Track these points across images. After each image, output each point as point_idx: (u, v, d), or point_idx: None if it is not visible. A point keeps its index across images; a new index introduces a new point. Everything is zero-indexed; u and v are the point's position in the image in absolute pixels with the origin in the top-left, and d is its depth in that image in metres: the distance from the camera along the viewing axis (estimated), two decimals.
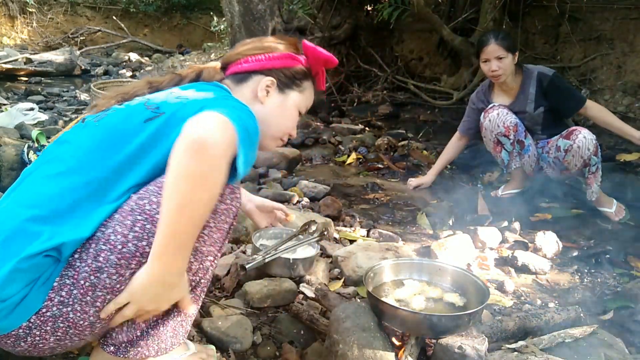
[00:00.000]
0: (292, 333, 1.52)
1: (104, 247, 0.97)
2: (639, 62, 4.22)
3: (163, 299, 1.01)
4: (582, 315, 1.52)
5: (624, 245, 2.25)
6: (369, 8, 6.38)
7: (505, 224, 2.44)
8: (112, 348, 1.08)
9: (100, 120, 1.12)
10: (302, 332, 1.53)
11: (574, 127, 2.57)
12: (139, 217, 0.97)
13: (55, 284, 0.97)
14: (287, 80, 1.33)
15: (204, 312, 1.59)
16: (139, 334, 1.08)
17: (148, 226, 0.97)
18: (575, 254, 2.21)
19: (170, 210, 0.90)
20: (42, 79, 7.65)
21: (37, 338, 0.98)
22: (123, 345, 1.08)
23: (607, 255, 2.17)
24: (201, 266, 1.06)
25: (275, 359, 1.44)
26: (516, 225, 2.41)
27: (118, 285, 0.98)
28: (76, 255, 0.98)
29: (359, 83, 6.33)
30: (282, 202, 2.64)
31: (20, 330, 0.97)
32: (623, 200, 2.67)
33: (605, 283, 1.96)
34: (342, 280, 1.84)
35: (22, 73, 7.65)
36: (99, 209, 1.00)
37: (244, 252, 1.96)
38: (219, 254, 1.11)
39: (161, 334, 1.10)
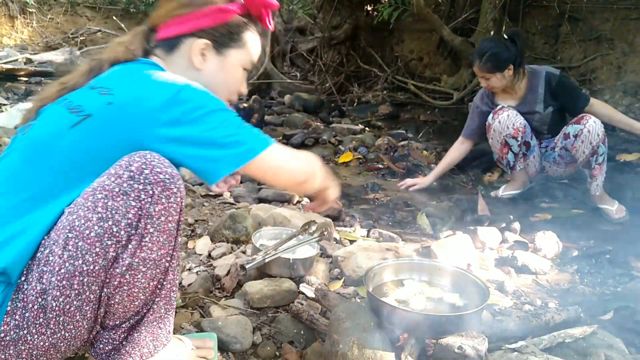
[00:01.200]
0: (292, 333, 1.52)
1: (45, 269, 0.94)
2: (639, 62, 4.21)
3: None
4: (581, 315, 1.52)
5: (624, 245, 2.25)
6: (369, 8, 6.38)
7: (505, 224, 2.44)
8: (101, 357, 1.09)
9: (27, 132, 1.05)
10: (302, 332, 1.53)
11: (583, 114, 2.57)
12: (70, 235, 0.93)
13: (8, 307, 0.95)
14: (222, 38, 1.17)
15: (204, 312, 1.59)
16: (119, 343, 1.07)
17: (80, 243, 0.93)
18: (575, 254, 2.20)
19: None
20: (42, 79, 7.65)
21: None
22: (108, 353, 1.08)
23: (607, 255, 2.16)
24: (156, 270, 1.01)
25: (275, 359, 1.44)
26: (516, 225, 2.41)
27: (67, 306, 0.95)
28: (23, 278, 0.96)
29: (359, 83, 6.33)
30: (282, 202, 2.65)
31: None
32: (623, 200, 2.67)
33: (605, 283, 1.96)
34: (342, 280, 1.84)
35: (22, 73, 7.65)
36: (35, 226, 0.97)
37: (244, 252, 1.96)
38: (175, 253, 1.05)
39: (139, 341, 1.08)
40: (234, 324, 1.46)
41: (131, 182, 0.93)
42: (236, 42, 1.19)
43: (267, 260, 1.68)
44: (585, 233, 2.44)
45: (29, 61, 8.00)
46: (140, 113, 0.98)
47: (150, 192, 0.94)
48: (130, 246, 0.96)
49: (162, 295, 1.07)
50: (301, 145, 3.98)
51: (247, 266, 1.63)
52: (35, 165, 1.00)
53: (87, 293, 0.96)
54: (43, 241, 0.97)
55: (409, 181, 3.12)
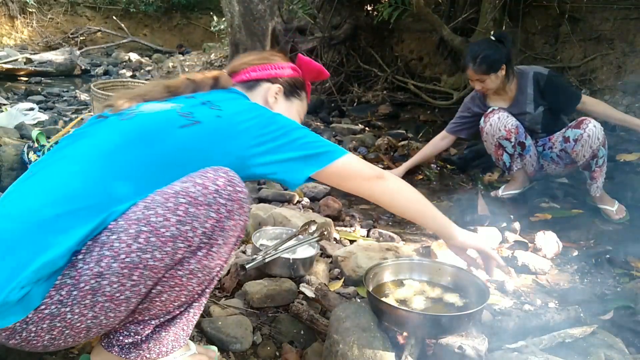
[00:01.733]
0: (292, 333, 1.52)
1: (107, 253, 0.96)
2: (639, 62, 4.21)
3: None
4: (581, 315, 1.52)
5: (624, 245, 2.25)
6: (369, 8, 6.38)
7: (505, 224, 2.44)
8: (115, 348, 1.09)
9: (130, 118, 1.14)
10: (302, 332, 1.53)
11: (583, 117, 2.57)
12: (144, 228, 0.97)
13: (56, 281, 0.96)
14: (290, 88, 1.44)
15: (204, 312, 1.59)
16: (143, 337, 1.09)
17: (152, 239, 0.97)
18: (575, 254, 2.21)
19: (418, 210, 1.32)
20: (42, 79, 7.66)
21: (32, 334, 0.97)
22: (126, 346, 1.09)
23: (607, 255, 2.16)
24: (207, 277, 1.08)
25: (275, 359, 1.44)
26: (516, 225, 2.41)
27: (118, 294, 0.97)
28: (80, 256, 0.97)
29: (359, 83, 6.33)
30: (282, 202, 2.65)
31: (17, 325, 0.95)
32: (623, 200, 2.67)
33: (605, 283, 1.96)
34: (342, 280, 1.84)
35: (22, 73, 7.65)
36: (115, 209, 1.00)
37: (244, 252, 1.96)
38: (225, 264, 1.12)
39: (163, 339, 1.12)
40: (234, 324, 1.46)
41: (216, 196, 1.02)
42: (299, 95, 1.47)
43: (267, 260, 1.68)
44: (585, 233, 2.44)
45: (29, 61, 8.00)
46: (243, 127, 1.15)
47: (230, 208, 1.04)
48: (199, 253, 1.03)
49: (200, 302, 1.14)
50: None
51: (247, 266, 1.63)
52: (136, 149, 1.08)
53: (141, 286, 0.99)
54: (111, 226, 0.99)
55: None
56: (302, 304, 1.58)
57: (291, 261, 1.72)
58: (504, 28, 4.86)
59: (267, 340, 1.50)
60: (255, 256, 1.68)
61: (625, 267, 2.08)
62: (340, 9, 6.40)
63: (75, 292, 0.96)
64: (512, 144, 2.69)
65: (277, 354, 1.45)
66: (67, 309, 0.97)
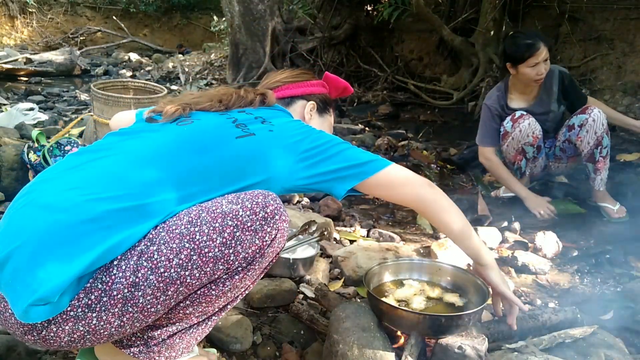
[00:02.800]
0: (292, 333, 1.52)
1: (145, 264, 0.94)
2: (639, 62, 4.22)
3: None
4: (579, 316, 1.52)
5: (624, 245, 2.25)
6: (369, 8, 6.38)
7: (505, 224, 2.44)
8: (123, 343, 1.08)
9: (188, 125, 1.17)
10: (302, 332, 1.53)
11: (587, 105, 2.58)
12: (187, 245, 0.96)
13: (87, 284, 0.93)
14: (323, 104, 1.52)
15: None
16: (156, 342, 1.09)
17: (194, 257, 0.96)
18: (575, 254, 2.20)
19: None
20: (42, 79, 7.66)
21: (52, 334, 0.94)
22: (136, 344, 1.08)
23: (607, 255, 2.16)
24: (234, 295, 1.09)
25: (275, 359, 1.44)
26: (516, 225, 2.41)
27: (149, 307, 0.96)
28: (115, 262, 0.95)
29: (359, 83, 6.33)
30: (282, 202, 2.65)
31: (39, 323, 0.93)
32: (623, 200, 2.67)
33: (605, 283, 1.96)
34: (342, 280, 1.84)
35: (22, 73, 7.66)
36: (166, 207, 1.01)
37: None
38: (253, 285, 1.13)
39: (176, 345, 1.11)
40: (234, 324, 1.46)
41: (263, 223, 1.02)
42: (329, 111, 1.55)
43: None
44: (585, 233, 2.44)
45: (29, 61, 8.00)
46: (293, 141, 1.20)
47: (273, 236, 1.04)
48: (236, 276, 1.03)
49: (220, 315, 1.14)
50: None
51: None
52: (194, 155, 1.10)
53: (173, 300, 0.99)
54: (151, 236, 0.97)
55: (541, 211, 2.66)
56: (302, 304, 1.58)
57: (291, 261, 1.72)
58: (503, 28, 4.87)
59: (267, 340, 1.50)
60: None
61: (625, 267, 2.08)
62: (340, 9, 6.41)
63: (105, 299, 0.94)
64: (534, 149, 2.67)
65: (277, 354, 1.45)
66: (94, 314, 0.94)
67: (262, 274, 1.11)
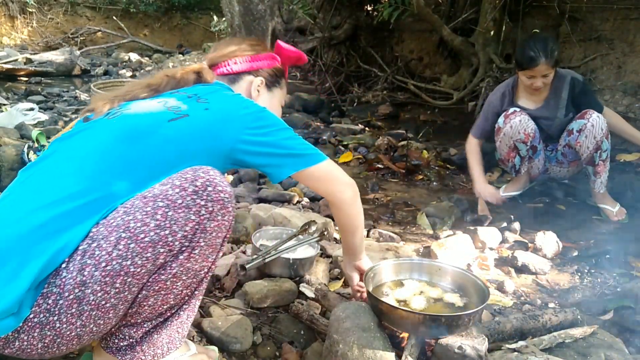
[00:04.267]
0: (292, 333, 1.52)
1: (89, 262, 0.95)
2: (639, 62, 4.21)
3: None
4: (579, 317, 1.52)
5: (624, 245, 2.25)
6: (369, 8, 6.38)
7: (505, 224, 2.44)
8: (113, 350, 1.10)
9: (117, 117, 1.14)
10: (302, 332, 1.53)
11: (586, 110, 2.56)
12: (123, 235, 0.96)
13: (44, 289, 0.95)
14: (272, 79, 1.45)
15: (204, 312, 1.59)
16: (137, 340, 1.09)
17: (132, 245, 0.95)
18: (575, 254, 2.21)
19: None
20: (42, 79, 7.65)
21: (25, 343, 0.97)
22: (122, 348, 1.10)
23: (607, 255, 2.16)
24: (194, 279, 1.07)
25: (275, 359, 1.44)
26: (516, 225, 2.41)
27: (103, 302, 0.97)
28: (63, 265, 0.96)
29: (359, 83, 6.33)
30: (282, 202, 2.65)
31: (10, 334, 0.95)
32: (623, 200, 2.67)
33: (605, 283, 1.96)
34: (342, 280, 1.84)
35: (22, 73, 7.65)
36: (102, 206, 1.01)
37: (244, 252, 1.96)
38: (214, 265, 1.11)
39: (157, 341, 1.11)
40: (234, 324, 1.46)
41: (194, 197, 0.99)
42: (279, 84, 1.48)
43: (267, 260, 1.68)
44: (585, 233, 2.44)
45: (29, 61, 8.00)
46: (231, 119, 1.17)
47: (210, 209, 1.01)
48: (180, 257, 1.01)
49: (191, 302, 1.12)
50: None
51: (247, 266, 1.63)
52: (127, 146, 1.08)
53: (126, 293, 0.98)
54: (92, 234, 0.98)
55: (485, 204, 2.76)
56: (302, 304, 1.58)
57: (291, 261, 1.72)
58: (503, 28, 4.86)
59: (267, 340, 1.50)
60: (255, 256, 1.68)
61: (625, 267, 2.08)
62: (340, 9, 6.40)
63: (61, 302, 0.95)
64: (527, 147, 2.66)
65: (277, 354, 1.45)
66: (55, 318, 0.96)
67: (218, 251, 1.09)
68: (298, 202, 2.71)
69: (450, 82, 5.52)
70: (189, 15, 13.95)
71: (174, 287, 1.04)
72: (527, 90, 2.68)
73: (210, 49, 1.55)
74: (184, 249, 1.00)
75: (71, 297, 0.95)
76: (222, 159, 1.16)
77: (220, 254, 1.11)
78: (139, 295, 1.02)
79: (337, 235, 2.26)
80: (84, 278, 0.95)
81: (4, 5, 11.81)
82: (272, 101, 1.45)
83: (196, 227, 1.00)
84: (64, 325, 0.97)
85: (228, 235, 1.10)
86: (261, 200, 2.68)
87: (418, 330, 1.26)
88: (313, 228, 1.87)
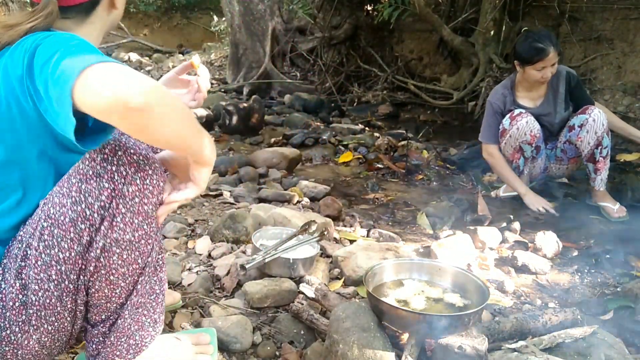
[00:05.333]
0: (292, 333, 1.52)
1: (22, 264, 0.94)
2: (639, 62, 4.21)
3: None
4: (579, 317, 1.52)
5: (624, 245, 2.25)
6: (369, 8, 6.38)
7: (505, 224, 2.44)
8: (94, 355, 1.08)
9: None
10: (302, 332, 1.53)
11: (586, 105, 2.58)
12: (45, 224, 0.93)
13: None
14: None
15: (204, 312, 1.59)
16: (106, 335, 1.06)
17: (55, 231, 0.92)
18: (575, 254, 2.21)
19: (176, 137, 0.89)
20: None
21: None
22: (101, 352, 1.07)
23: (607, 255, 2.16)
24: (133, 253, 0.99)
25: (275, 359, 1.44)
26: (516, 225, 2.41)
27: (47, 300, 0.94)
28: (0, 277, 0.95)
29: (359, 83, 6.33)
30: (282, 202, 2.65)
31: None
32: (623, 200, 2.67)
33: (605, 283, 1.96)
34: (342, 280, 1.84)
35: None
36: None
37: (244, 252, 1.96)
38: (156, 235, 1.03)
39: (125, 329, 1.05)
40: (234, 324, 1.46)
41: (104, 164, 0.93)
42: None
43: (267, 260, 1.68)
44: (585, 233, 2.44)
45: None
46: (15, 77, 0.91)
47: (124, 172, 0.93)
48: (102, 228, 0.94)
49: (144, 282, 1.04)
50: (301, 145, 3.98)
51: (247, 266, 1.63)
52: None
53: (66, 282, 0.95)
54: (19, 236, 0.96)
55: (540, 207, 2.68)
56: (302, 304, 1.58)
57: (291, 261, 1.72)
58: (503, 28, 4.86)
59: (267, 340, 1.50)
60: (255, 256, 1.68)
61: (625, 267, 2.08)
62: (340, 9, 6.41)
63: (7, 314, 0.94)
64: (532, 148, 2.67)
65: (277, 354, 1.45)
66: (8, 332, 0.94)
67: (150, 219, 0.99)
68: (298, 202, 2.71)
69: (450, 82, 5.52)
70: (189, 15, 13.95)
71: (111, 263, 0.97)
72: (525, 88, 2.70)
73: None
74: (104, 219, 0.94)
75: (17, 304, 0.93)
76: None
77: (160, 223, 1.03)
78: (80, 282, 0.97)
79: (337, 235, 2.26)
80: (23, 281, 0.93)
81: (4, 5, 11.81)
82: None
83: (112, 194, 0.93)
84: (19, 335, 0.95)
85: (159, 200, 1.00)
86: (261, 200, 2.68)
87: (418, 330, 1.26)
88: (313, 228, 1.87)
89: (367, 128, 4.79)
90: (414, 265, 1.55)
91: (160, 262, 1.08)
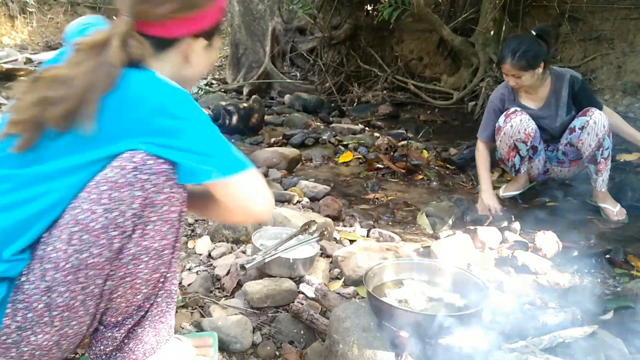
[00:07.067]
0: (292, 333, 1.52)
1: (48, 266, 0.95)
2: (639, 62, 4.22)
3: None
4: (578, 317, 1.52)
5: (624, 245, 2.25)
6: (369, 8, 6.38)
7: (505, 224, 2.44)
8: (102, 358, 1.09)
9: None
10: (302, 332, 1.53)
11: (588, 107, 2.57)
12: (74, 229, 0.94)
13: (7, 310, 0.95)
14: (213, 31, 1.14)
15: (204, 312, 1.59)
16: (121, 342, 1.08)
17: (85, 236, 0.94)
18: (575, 254, 2.20)
19: None
20: None
21: None
22: (112, 354, 1.08)
23: (607, 255, 2.16)
24: (159, 260, 1.03)
25: (275, 359, 1.44)
26: (516, 225, 2.41)
27: (72, 302, 0.96)
28: (23, 278, 0.96)
29: (359, 83, 6.33)
30: (282, 202, 2.65)
31: None
32: (623, 200, 2.67)
33: (605, 283, 1.96)
34: (342, 280, 1.84)
35: (22, 73, 7.64)
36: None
37: (244, 252, 1.96)
38: (177, 245, 1.07)
39: (143, 336, 1.09)
40: (234, 324, 1.46)
41: (135, 173, 0.95)
42: (219, 29, 1.17)
43: (267, 260, 1.68)
44: (585, 233, 2.44)
45: (29, 61, 7.99)
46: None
47: (155, 181, 0.96)
48: (134, 236, 0.97)
49: (165, 289, 1.09)
50: (301, 145, 3.98)
51: (247, 266, 1.63)
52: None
53: (92, 287, 0.97)
54: (45, 239, 0.97)
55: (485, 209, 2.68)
56: (302, 304, 1.58)
57: (291, 261, 1.72)
58: (504, 28, 4.87)
59: (267, 340, 1.50)
60: (255, 256, 1.68)
61: (625, 267, 2.08)
62: (340, 9, 6.41)
63: (30, 315, 0.95)
64: (527, 147, 2.66)
65: (277, 354, 1.45)
66: (29, 332, 0.95)
67: (177, 228, 1.03)
68: (298, 202, 2.71)
69: (450, 82, 5.52)
70: None
71: (138, 271, 1.00)
72: (527, 90, 2.68)
73: None
74: (136, 227, 0.97)
75: (40, 306, 0.94)
76: None
77: (181, 230, 1.06)
78: (106, 287, 0.99)
79: (337, 235, 2.26)
80: (48, 283, 0.94)
81: (4, 5, 11.81)
82: (211, 53, 1.17)
83: (144, 202, 0.96)
84: (39, 337, 0.96)
85: (184, 210, 1.04)
86: None
87: (418, 330, 1.26)
88: (313, 228, 1.87)
89: (367, 128, 4.79)
90: (414, 265, 1.55)
91: (177, 270, 1.13)
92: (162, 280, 1.07)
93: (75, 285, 0.95)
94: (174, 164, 0.99)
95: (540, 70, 2.55)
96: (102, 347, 1.07)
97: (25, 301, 0.95)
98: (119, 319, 1.05)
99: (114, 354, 1.08)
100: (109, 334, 1.06)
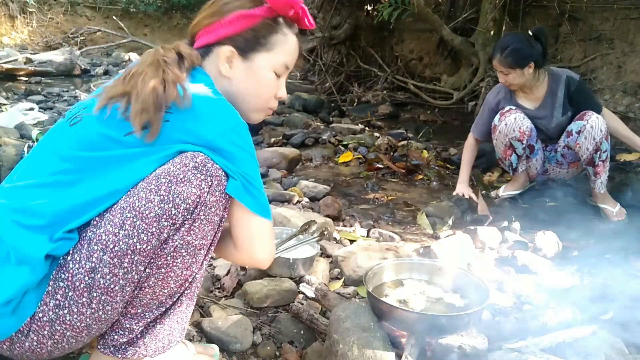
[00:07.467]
0: (292, 333, 1.52)
1: (95, 247, 0.97)
2: (639, 62, 4.21)
3: None
4: (578, 316, 1.52)
5: (624, 245, 2.25)
6: (369, 8, 6.39)
7: (505, 224, 2.44)
8: (111, 349, 1.08)
9: (76, 124, 1.08)
10: (302, 332, 1.53)
11: (585, 111, 2.56)
12: (129, 215, 0.97)
13: (49, 287, 0.97)
14: (247, 43, 1.15)
15: (204, 312, 1.59)
16: (137, 334, 1.08)
17: (138, 222, 0.97)
18: (575, 254, 2.20)
19: None
20: (42, 79, 7.65)
21: (35, 343, 0.98)
22: (122, 345, 1.08)
23: (607, 255, 2.16)
24: (194, 260, 1.06)
25: (275, 359, 1.44)
26: (516, 225, 2.41)
27: (112, 285, 0.98)
28: (68, 257, 0.98)
29: (359, 83, 6.33)
30: (282, 202, 2.65)
31: (15, 336, 0.96)
32: (623, 200, 2.67)
33: (605, 283, 1.96)
34: (342, 280, 1.84)
35: (22, 73, 7.64)
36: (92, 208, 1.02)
37: None
38: (212, 248, 1.10)
39: (158, 333, 1.10)
40: (234, 324, 1.46)
41: (195, 172, 1.00)
42: (263, 45, 1.16)
43: None
44: (585, 233, 2.44)
45: (29, 61, 7.99)
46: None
47: (210, 183, 1.02)
48: (182, 229, 1.01)
49: (191, 289, 1.11)
50: (301, 145, 3.98)
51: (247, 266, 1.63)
52: (84, 154, 1.06)
53: (133, 273, 0.99)
54: (96, 222, 1.00)
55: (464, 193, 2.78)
56: (302, 304, 1.58)
57: (291, 261, 1.72)
58: (504, 28, 4.87)
59: (267, 340, 1.50)
60: None
61: (625, 267, 2.08)
62: (340, 8, 6.41)
63: (70, 293, 0.97)
64: (523, 146, 2.66)
65: (277, 354, 1.45)
66: (66, 311, 0.97)
67: (216, 232, 1.08)
68: (298, 202, 2.71)
69: (450, 82, 5.52)
70: (189, 15, 13.93)
71: (175, 264, 1.03)
72: (523, 90, 2.69)
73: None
74: (185, 221, 1.01)
75: (82, 286, 0.97)
76: None
77: (217, 236, 1.10)
78: (144, 275, 1.01)
79: (337, 235, 2.26)
80: (93, 264, 0.96)
81: (4, 5, 11.81)
82: (253, 71, 1.18)
83: (197, 200, 1.01)
84: (75, 317, 0.98)
85: (226, 216, 1.09)
86: None
87: (418, 330, 1.26)
88: (313, 228, 1.87)
89: (367, 128, 4.78)
90: (414, 265, 1.55)
91: (203, 275, 1.16)
92: (190, 280, 1.09)
93: (119, 268, 0.97)
94: (227, 175, 1.05)
95: (530, 70, 2.55)
96: (116, 337, 1.07)
97: (67, 280, 0.97)
98: (139, 310, 1.06)
99: (124, 347, 1.08)
100: (127, 325, 1.06)
